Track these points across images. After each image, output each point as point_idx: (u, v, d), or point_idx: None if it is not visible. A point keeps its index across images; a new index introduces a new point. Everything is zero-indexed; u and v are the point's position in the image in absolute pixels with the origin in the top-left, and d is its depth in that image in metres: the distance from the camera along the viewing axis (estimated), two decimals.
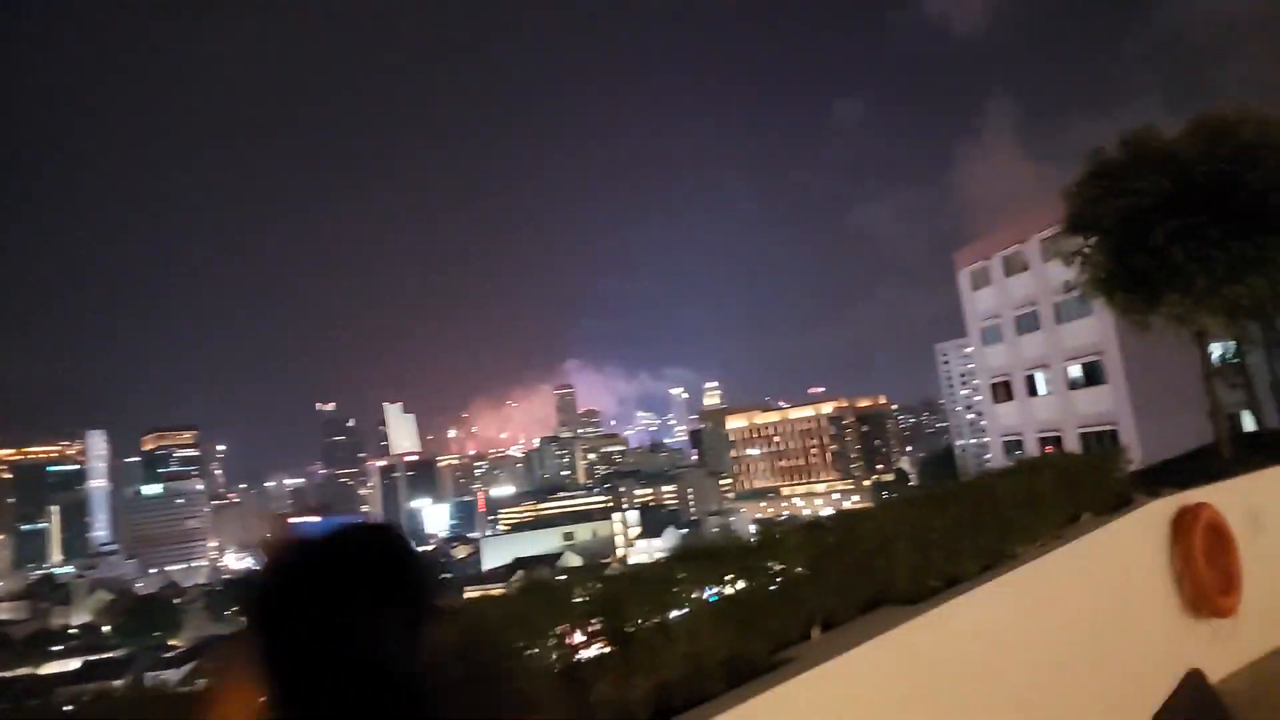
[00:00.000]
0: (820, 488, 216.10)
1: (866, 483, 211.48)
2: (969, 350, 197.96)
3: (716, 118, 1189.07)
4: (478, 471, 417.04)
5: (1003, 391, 34.05)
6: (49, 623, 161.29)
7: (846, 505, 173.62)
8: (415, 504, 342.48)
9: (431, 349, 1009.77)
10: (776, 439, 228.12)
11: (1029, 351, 32.28)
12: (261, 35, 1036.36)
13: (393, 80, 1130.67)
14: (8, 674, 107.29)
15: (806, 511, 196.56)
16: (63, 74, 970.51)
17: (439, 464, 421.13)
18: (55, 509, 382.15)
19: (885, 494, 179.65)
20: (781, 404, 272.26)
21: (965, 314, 35.89)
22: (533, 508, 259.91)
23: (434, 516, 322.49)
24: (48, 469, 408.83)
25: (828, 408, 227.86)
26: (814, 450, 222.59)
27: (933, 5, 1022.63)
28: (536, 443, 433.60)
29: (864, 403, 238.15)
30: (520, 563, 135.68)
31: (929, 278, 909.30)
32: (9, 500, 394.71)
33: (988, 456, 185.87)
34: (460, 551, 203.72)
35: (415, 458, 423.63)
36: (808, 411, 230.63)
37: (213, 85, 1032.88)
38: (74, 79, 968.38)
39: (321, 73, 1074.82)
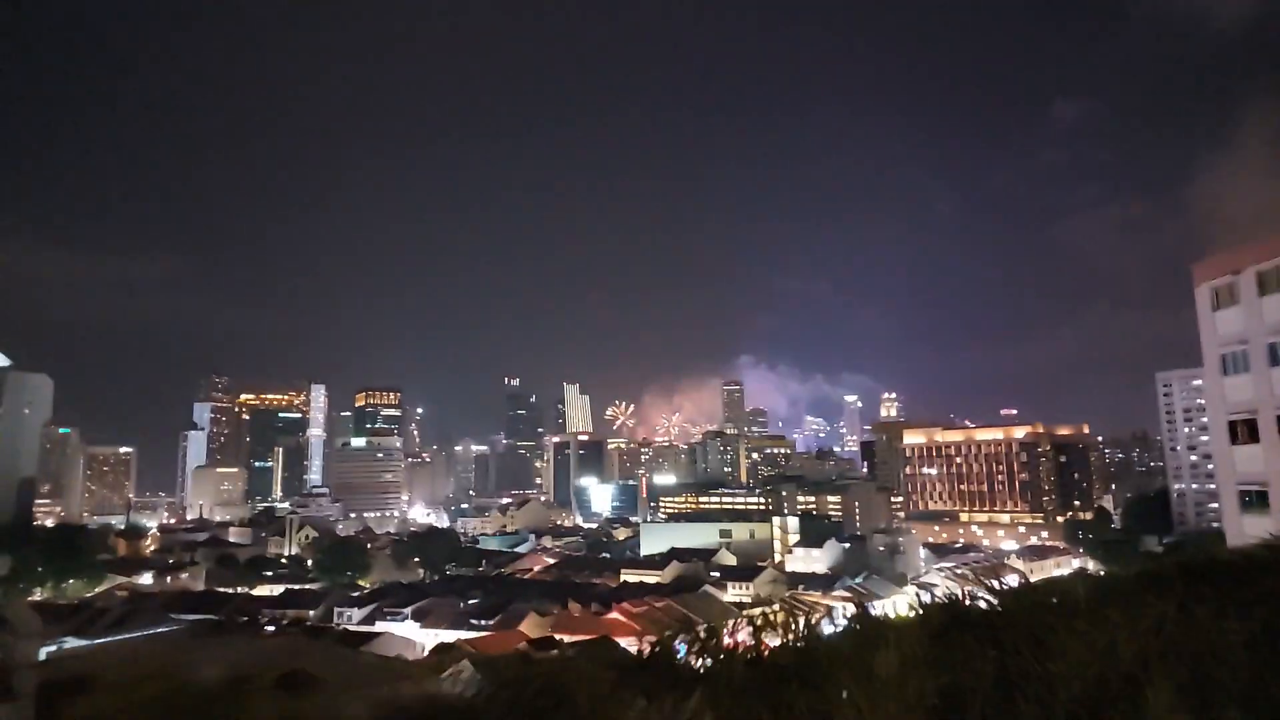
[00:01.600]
0: (1004, 519, 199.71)
1: (1059, 519, 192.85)
2: (1198, 382, 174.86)
3: (915, 113, 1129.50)
4: (643, 457, 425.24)
5: (1244, 431, 28.84)
6: (266, 550, 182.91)
7: (1034, 541, 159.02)
8: (583, 482, 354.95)
9: (612, 334, 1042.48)
10: (958, 460, 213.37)
11: None
12: (483, 30, 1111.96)
13: (591, 74, 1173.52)
14: (228, 589, 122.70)
15: (986, 543, 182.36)
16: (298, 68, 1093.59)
17: (608, 446, 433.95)
18: (280, 451, 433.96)
19: (1081, 534, 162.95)
20: (967, 423, 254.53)
21: (1202, 337, 30.77)
22: (693, 500, 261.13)
23: (599, 496, 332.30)
24: (278, 415, 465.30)
25: (1020, 432, 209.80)
26: (1000, 476, 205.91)
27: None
28: (699, 436, 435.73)
29: (1063, 430, 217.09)
30: (676, 553, 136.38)
31: (1150, 298, 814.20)
32: (246, 439, 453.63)
33: (1214, 506, 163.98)
34: (621, 534, 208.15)
35: (586, 438, 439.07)
36: (996, 434, 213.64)
37: (444, 77, 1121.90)
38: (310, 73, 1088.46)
39: (521, 70, 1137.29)
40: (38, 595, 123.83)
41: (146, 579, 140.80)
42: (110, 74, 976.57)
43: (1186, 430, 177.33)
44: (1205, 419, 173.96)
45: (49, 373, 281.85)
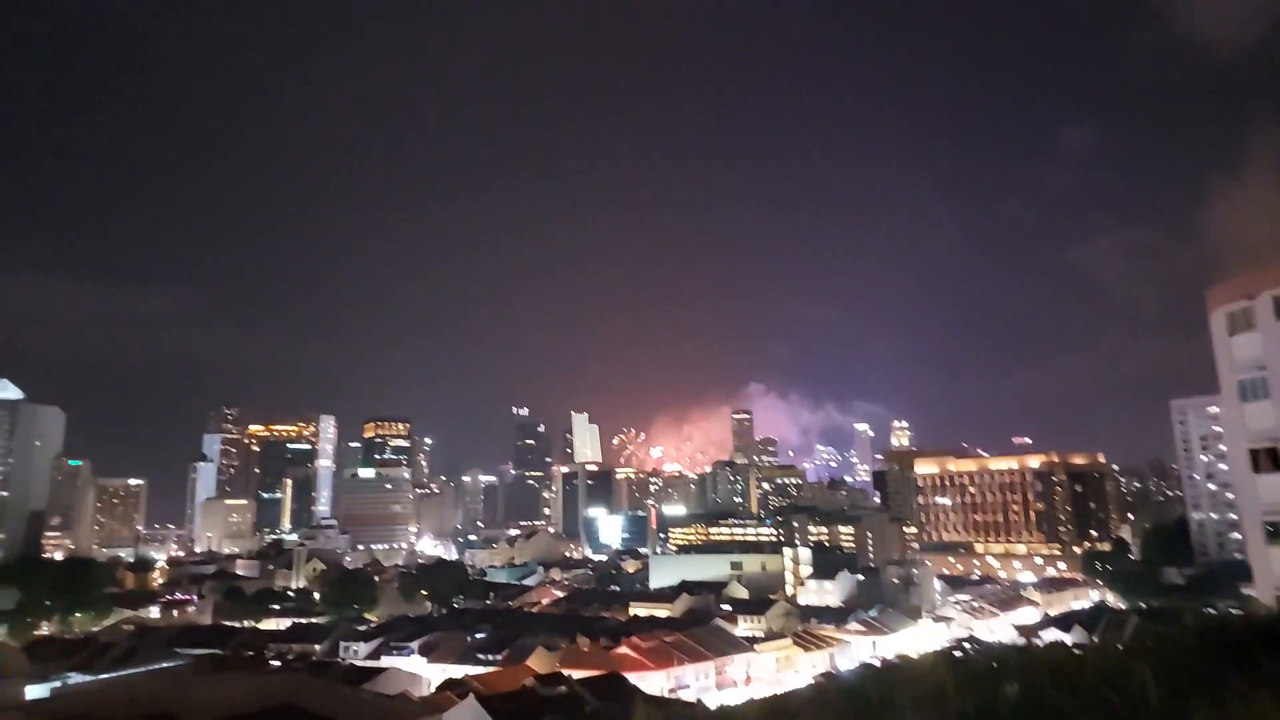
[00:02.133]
0: (1020, 549, 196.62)
1: (1077, 550, 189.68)
2: (1214, 409, 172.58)
3: (926, 139, 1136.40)
4: (652, 487, 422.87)
5: (1267, 460, 28.11)
6: (273, 583, 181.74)
7: (1051, 573, 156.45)
8: (592, 512, 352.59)
9: (621, 363, 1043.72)
10: (972, 490, 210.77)
11: None
12: (506, 48, 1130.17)
13: (602, 97, 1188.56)
14: (234, 624, 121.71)
15: (1002, 574, 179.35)
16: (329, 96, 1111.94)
17: (616, 476, 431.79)
18: (289, 482, 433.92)
19: (1100, 565, 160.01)
20: (980, 452, 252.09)
21: (1218, 363, 30.15)
22: (702, 531, 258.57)
23: (608, 527, 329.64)
24: (287, 446, 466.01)
25: (1034, 461, 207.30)
26: (1015, 506, 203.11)
27: (1186, 23, 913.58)
28: (709, 466, 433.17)
29: (1078, 459, 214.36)
30: (686, 586, 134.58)
31: (1164, 324, 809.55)
32: (255, 471, 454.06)
33: (1235, 536, 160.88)
34: (630, 566, 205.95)
35: (595, 468, 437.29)
36: (1010, 463, 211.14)
37: (447, 107, 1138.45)
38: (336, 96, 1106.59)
39: (533, 94, 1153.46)
40: (45, 629, 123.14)
41: (154, 612, 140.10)
42: (121, 108, 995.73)
43: (1204, 458, 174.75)
44: (1223, 447, 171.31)
45: (60, 405, 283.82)
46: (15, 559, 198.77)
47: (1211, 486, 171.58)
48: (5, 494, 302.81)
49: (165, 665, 70.67)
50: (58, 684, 60.70)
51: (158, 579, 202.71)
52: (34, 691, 59.31)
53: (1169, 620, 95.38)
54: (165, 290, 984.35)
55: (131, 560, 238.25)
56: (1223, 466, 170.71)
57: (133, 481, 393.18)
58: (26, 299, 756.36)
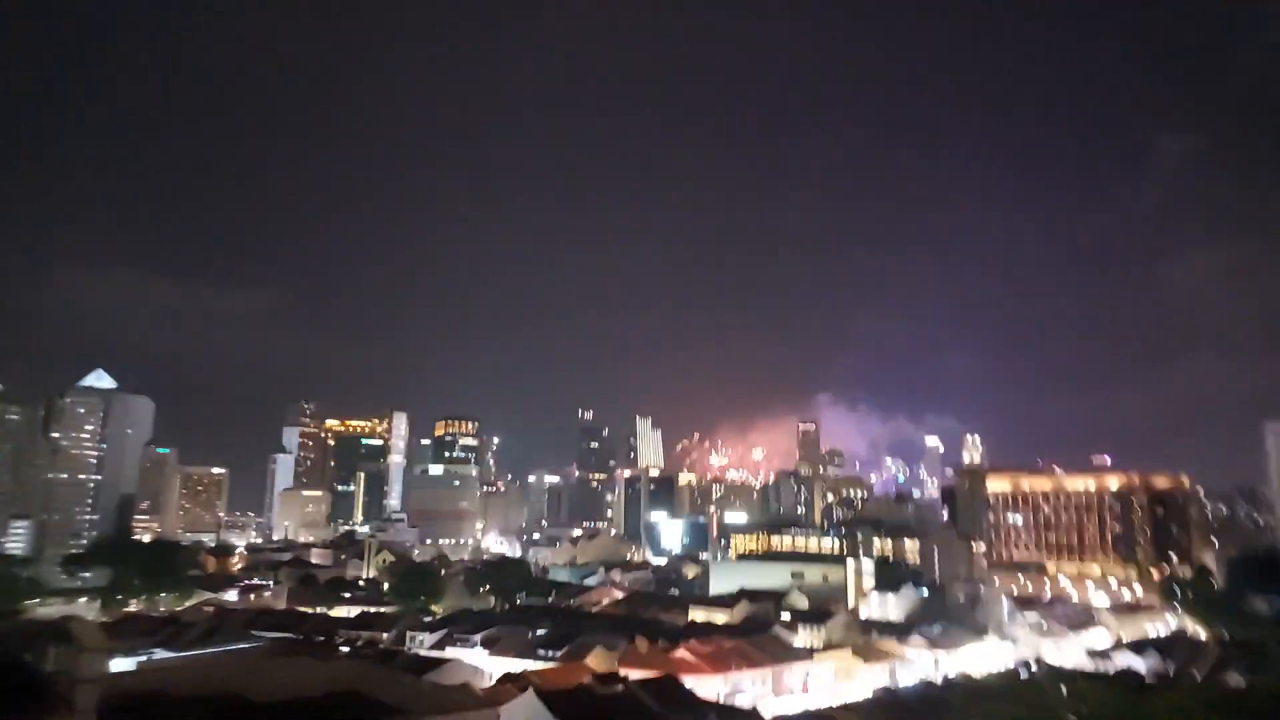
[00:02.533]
0: (1094, 571, 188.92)
1: (1154, 574, 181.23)
2: None
3: (1009, 151, 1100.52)
4: (714, 494, 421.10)
5: None
6: (345, 572, 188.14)
7: (1126, 597, 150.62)
8: (654, 517, 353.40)
9: (687, 368, 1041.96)
10: (1045, 508, 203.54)
11: None
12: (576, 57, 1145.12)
13: (669, 106, 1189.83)
14: (308, 609, 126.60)
15: (1074, 596, 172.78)
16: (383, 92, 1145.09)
17: (679, 481, 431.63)
18: (362, 476, 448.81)
19: (1180, 591, 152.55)
20: (1056, 469, 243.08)
21: None
22: (764, 539, 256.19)
23: (670, 532, 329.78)
24: (361, 441, 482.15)
25: (1113, 481, 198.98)
26: (1091, 527, 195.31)
27: None
28: (772, 476, 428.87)
29: (1160, 481, 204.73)
30: (746, 593, 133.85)
31: (1257, 345, 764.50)
32: (330, 464, 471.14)
33: None
34: (690, 571, 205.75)
35: (658, 472, 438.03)
36: (1088, 482, 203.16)
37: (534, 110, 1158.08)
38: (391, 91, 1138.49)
39: (602, 97, 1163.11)
40: (133, 606, 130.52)
41: (232, 595, 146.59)
42: (217, 112, 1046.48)
43: None
44: None
45: (150, 396, 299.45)
46: (107, 540, 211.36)
47: None
48: (99, 478, 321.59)
49: (242, 646, 74.32)
50: (144, 658, 64.60)
51: (237, 564, 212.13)
52: (120, 664, 63.34)
53: (1255, 652, 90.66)
54: (251, 290, 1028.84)
55: (213, 545, 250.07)
56: None
57: (216, 470, 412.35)
58: (122, 294, 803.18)
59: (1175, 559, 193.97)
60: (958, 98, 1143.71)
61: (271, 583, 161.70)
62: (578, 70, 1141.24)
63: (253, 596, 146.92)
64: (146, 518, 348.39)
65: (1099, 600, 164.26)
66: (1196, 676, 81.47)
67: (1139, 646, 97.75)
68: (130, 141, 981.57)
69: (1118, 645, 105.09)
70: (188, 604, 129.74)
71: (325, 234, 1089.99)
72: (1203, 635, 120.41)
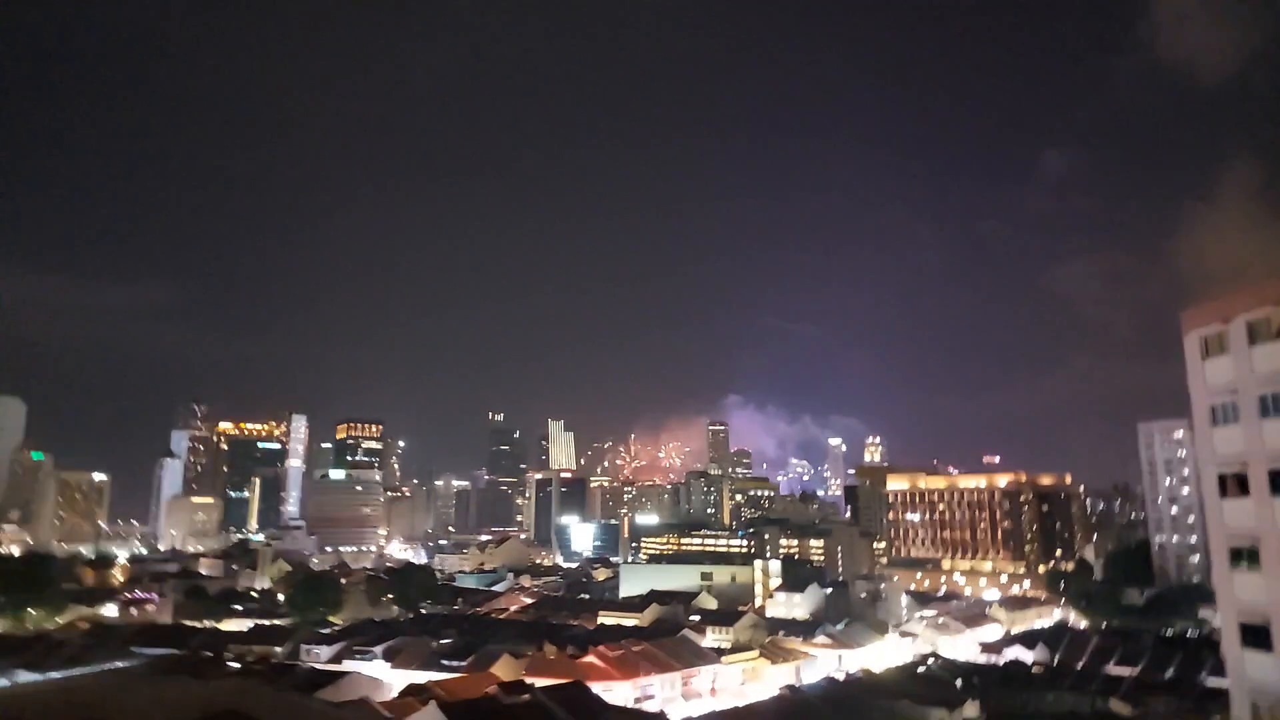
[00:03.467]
0: (986, 567, 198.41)
1: (1041, 569, 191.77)
2: (1180, 434, 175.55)
3: (905, 156, 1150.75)
4: (626, 496, 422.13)
5: (1234, 485, 28.38)
6: (237, 583, 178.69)
7: (1015, 591, 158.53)
8: (565, 520, 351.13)
9: (598, 370, 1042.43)
10: (941, 507, 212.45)
11: (1276, 439, 26.61)
12: (478, 58, 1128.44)
13: (578, 109, 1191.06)
14: (196, 623, 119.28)
15: (968, 591, 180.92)
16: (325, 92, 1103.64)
17: (590, 484, 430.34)
18: (257, 481, 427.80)
19: (1063, 584, 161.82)
20: (951, 469, 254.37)
21: (1190, 386, 30.42)
22: (674, 541, 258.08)
23: (581, 535, 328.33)
24: (257, 445, 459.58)
25: (1003, 480, 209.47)
26: (983, 525, 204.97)
27: (1168, 51, 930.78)
28: (683, 476, 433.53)
29: (1046, 480, 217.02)
30: (656, 595, 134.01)
31: (1135, 349, 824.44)
32: (223, 469, 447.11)
33: (1195, 559, 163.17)
34: (600, 575, 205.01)
35: (569, 475, 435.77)
36: (979, 481, 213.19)
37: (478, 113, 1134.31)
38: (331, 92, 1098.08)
39: (509, 107, 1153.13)
40: None
41: (112, 610, 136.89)
42: (96, 92, 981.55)
43: (1168, 482, 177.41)
44: (1187, 471, 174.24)
45: (22, 396, 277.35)
46: None
47: (1174, 510, 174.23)
48: None
49: (118, 665, 69.01)
50: (4, 682, 59.03)
51: (118, 576, 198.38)
52: None
53: (1129, 640, 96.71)
54: (135, 284, 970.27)
55: (92, 556, 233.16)
56: (1185, 490, 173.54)
57: (96, 476, 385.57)
58: None
59: (1059, 554, 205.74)
60: (856, 105, 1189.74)
61: (156, 596, 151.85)
62: (485, 69, 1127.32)
63: (135, 611, 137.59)
64: (16, 528, 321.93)
65: (990, 595, 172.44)
66: (1076, 666, 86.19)
67: (1028, 639, 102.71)
68: (4, 126, 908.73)
69: (1008, 638, 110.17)
70: (60, 620, 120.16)
71: (218, 225, 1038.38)
72: (1084, 625, 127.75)
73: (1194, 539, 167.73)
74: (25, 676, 62.08)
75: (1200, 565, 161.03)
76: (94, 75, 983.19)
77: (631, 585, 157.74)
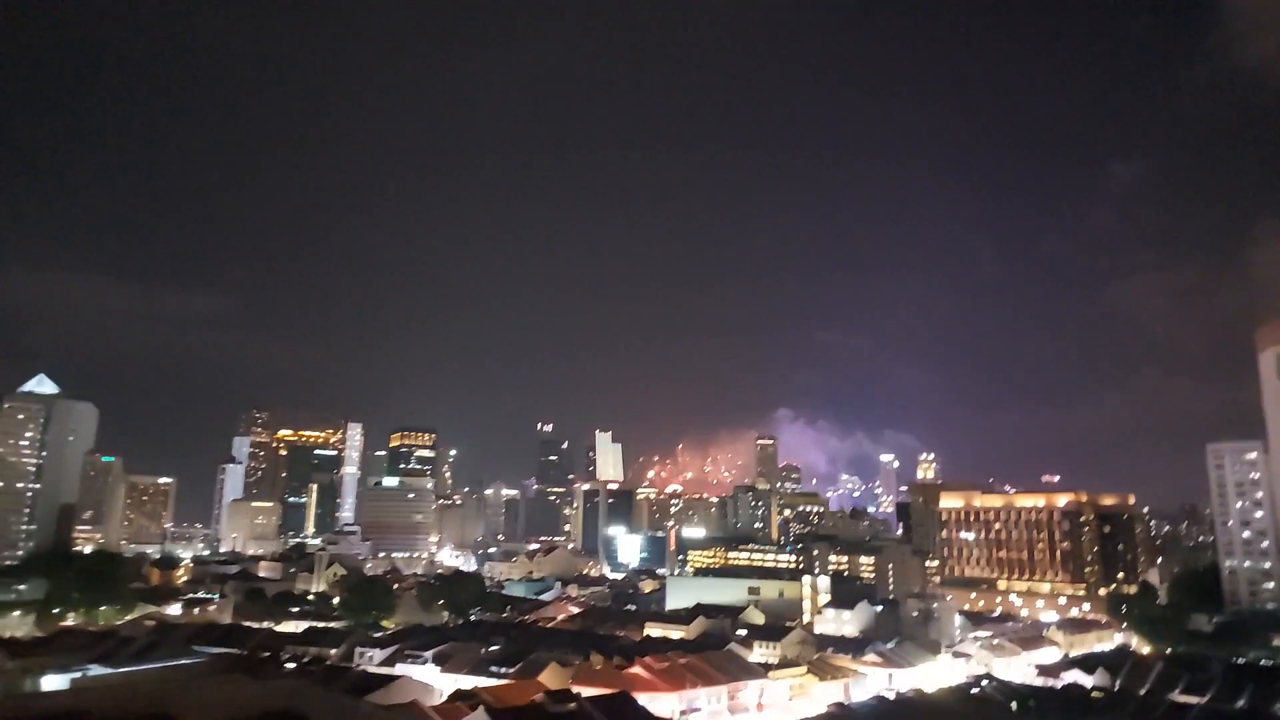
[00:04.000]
0: (1044, 588, 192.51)
1: (1102, 592, 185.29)
2: (1252, 455, 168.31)
3: (964, 169, 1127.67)
4: (673, 509, 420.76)
5: None
6: (294, 586, 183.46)
7: (1074, 614, 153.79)
8: (612, 531, 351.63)
9: (647, 383, 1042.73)
10: (997, 526, 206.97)
11: None
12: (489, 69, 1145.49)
13: (638, 115, 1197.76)
14: (254, 624, 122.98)
15: (1025, 613, 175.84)
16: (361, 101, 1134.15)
17: (638, 495, 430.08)
18: (315, 487, 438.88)
19: (1125, 608, 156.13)
20: (1007, 488, 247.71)
21: (1265, 403, 29.51)
22: (721, 554, 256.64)
23: (627, 546, 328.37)
24: (314, 451, 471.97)
25: (1062, 499, 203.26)
26: (1040, 545, 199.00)
27: (1239, 60, 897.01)
28: (733, 490, 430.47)
29: (1108, 500, 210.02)
30: (702, 609, 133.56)
31: (1203, 368, 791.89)
32: (282, 475, 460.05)
33: (1269, 586, 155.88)
34: (647, 586, 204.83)
35: (616, 486, 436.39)
36: (1038, 501, 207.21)
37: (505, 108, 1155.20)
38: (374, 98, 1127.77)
39: (567, 112, 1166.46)
40: (70, 620, 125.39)
41: (175, 609, 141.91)
42: (169, 111, 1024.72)
43: (1239, 504, 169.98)
44: (1260, 494, 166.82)
45: (94, 402, 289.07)
46: (45, 551, 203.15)
47: (1246, 534, 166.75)
48: (37, 486, 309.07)
49: (182, 662, 71.72)
50: (77, 675, 61.88)
51: (182, 576, 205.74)
52: (53, 682, 60.56)
53: (1195, 667, 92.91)
54: (202, 293, 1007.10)
55: (158, 557, 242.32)
56: (1259, 514, 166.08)
57: (162, 480, 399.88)
58: (66, 297, 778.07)
59: (1121, 576, 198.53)
60: (919, 120, 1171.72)
61: (217, 596, 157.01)
62: (552, 84, 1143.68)
63: (197, 610, 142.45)
64: (89, 528, 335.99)
65: (1048, 617, 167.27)
66: (1139, 692, 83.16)
67: (1086, 663, 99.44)
68: (78, 140, 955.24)
69: (1065, 661, 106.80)
70: (128, 618, 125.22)
71: (280, 237, 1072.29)
72: (1146, 651, 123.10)
73: (1268, 564, 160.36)
74: (96, 670, 65.00)
75: (1274, 591, 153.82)
76: (158, 88, 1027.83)
77: (678, 598, 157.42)
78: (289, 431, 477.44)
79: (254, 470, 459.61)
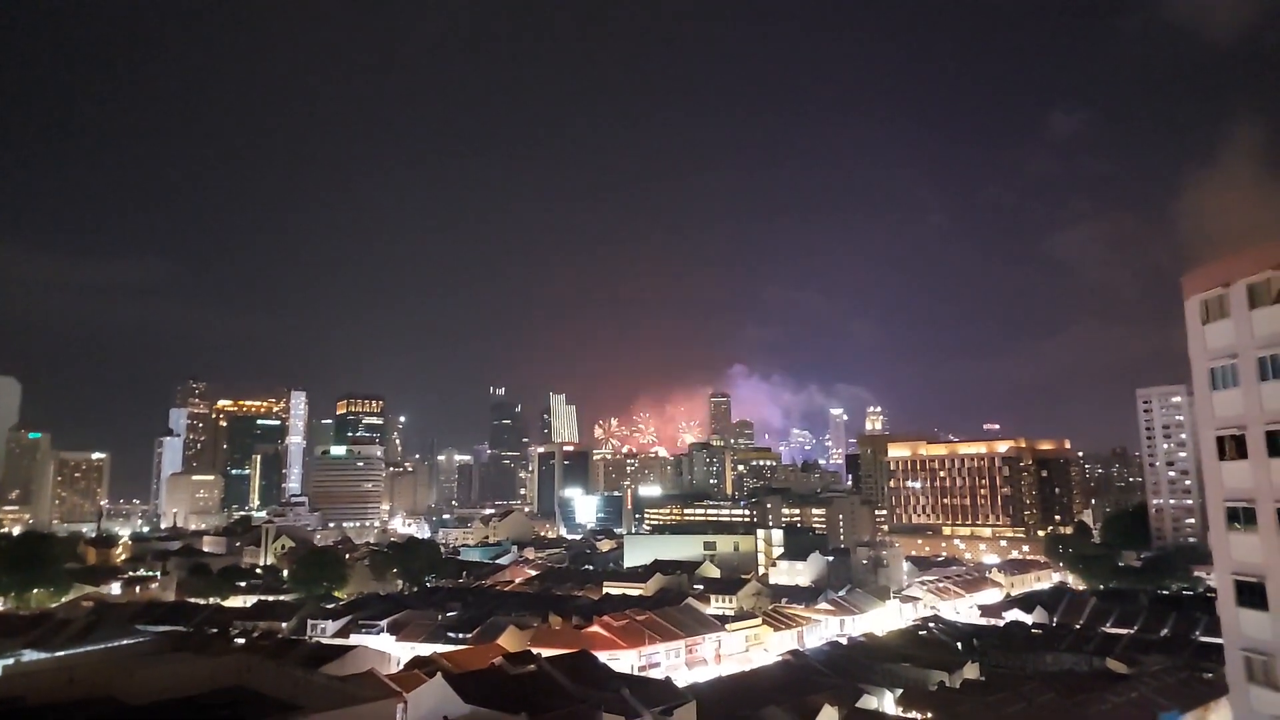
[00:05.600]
0: (986, 532, 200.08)
1: (1040, 533, 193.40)
2: (1177, 399, 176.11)
3: (910, 120, 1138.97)
4: (629, 468, 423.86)
5: (1232, 447, 28.29)
6: (240, 560, 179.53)
7: (1015, 555, 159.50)
8: (568, 493, 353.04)
9: (601, 343, 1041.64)
10: (942, 474, 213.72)
11: (1274, 401, 26.48)
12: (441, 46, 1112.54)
13: (579, 82, 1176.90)
14: (200, 600, 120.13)
15: (969, 556, 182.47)
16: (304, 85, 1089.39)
17: (594, 456, 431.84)
18: (258, 458, 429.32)
19: (1061, 548, 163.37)
20: (951, 437, 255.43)
21: (1191, 350, 30.22)
22: (677, 512, 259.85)
23: (584, 507, 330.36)
24: (257, 422, 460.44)
25: (1003, 446, 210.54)
26: (983, 491, 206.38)
27: (1175, 10, 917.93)
28: (688, 447, 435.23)
29: (1045, 445, 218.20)
30: (659, 565, 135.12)
31: (1136, 315, 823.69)
32: (223, 446, 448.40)
33: (1190, 521, 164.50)
34: (604, 546, 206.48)
35: (572, 448, 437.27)
36: (980, 448, 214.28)
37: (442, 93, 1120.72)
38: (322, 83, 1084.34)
39: (509, 79, 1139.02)
40: (0, 605, 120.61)
41: (115, 589, 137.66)
42: (92, 69, 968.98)
43: (1166, 446, 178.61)
44: (1184, 435, 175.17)
45: (17, 376, 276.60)
46: None
47: (1171, 473, 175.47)
48: None
49: (124, 643, 69.40)
50: (10, 661, 59.41)
51: (121, 555, 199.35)
52: None
53: (1125, 600, 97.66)
54: (131, 260, 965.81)
55: (93, 535, 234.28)
56: (1183, 454, 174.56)
57: (95, 455, 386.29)
58: None
59: (1058, 518, 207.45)
60: (859, 70, 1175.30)
61: (159, 574, 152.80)
62: (478, 31, 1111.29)
63: (138, 589, 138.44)
64: (15, 508, 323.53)
65: (990, 559, 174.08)
66: (1075, 627, 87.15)
67: (1027, 602, 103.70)
68: None
69: (1007, 601, 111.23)
70: (64, 600, 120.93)
71: (214, 199, 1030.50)
72: (1081, 587, 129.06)
73: (1190, 501, 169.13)
74: (31, 655, 62.51)
75: (1196, 527, 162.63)
76: (83, 50, 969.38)
77: (635, 556, 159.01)
78: (229, 402, 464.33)
79: (193, 443, 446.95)
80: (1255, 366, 26.98)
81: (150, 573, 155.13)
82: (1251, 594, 26.91)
